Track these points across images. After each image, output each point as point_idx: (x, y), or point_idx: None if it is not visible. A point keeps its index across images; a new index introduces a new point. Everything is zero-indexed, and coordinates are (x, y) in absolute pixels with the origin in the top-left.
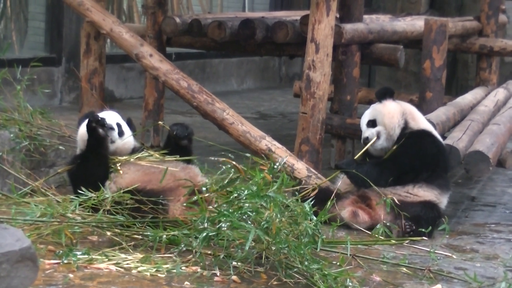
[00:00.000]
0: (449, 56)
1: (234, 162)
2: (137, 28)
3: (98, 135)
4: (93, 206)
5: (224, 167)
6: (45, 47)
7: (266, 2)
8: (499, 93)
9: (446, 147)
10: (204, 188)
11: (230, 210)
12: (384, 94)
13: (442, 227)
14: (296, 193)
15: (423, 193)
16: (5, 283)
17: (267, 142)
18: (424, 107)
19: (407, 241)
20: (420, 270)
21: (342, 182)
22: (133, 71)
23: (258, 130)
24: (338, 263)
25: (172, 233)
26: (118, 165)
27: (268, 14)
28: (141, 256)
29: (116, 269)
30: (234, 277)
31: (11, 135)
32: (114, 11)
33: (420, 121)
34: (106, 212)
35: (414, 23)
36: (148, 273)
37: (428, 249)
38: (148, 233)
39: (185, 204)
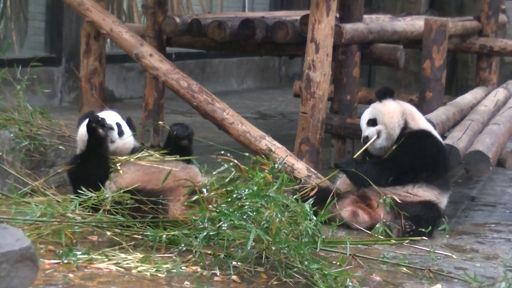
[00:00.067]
0: (449, 56)
1: (235, 161)
2: (137, 28)
3: (98, 135)
4: (93, 206)
5: (226, 165)
6: (45, 47)
7: (266, 2)
8: (499, 93)
9: (446, 147)
10: (204, 189)
11: (231, 210)
12: (384, 94)
13: (442, 227)
14: (297, 192)
15: (423, 193)
16: (5, 283)
17: (267, 142)
18: (424, 107)
19: (407, 241)
20: (420, 270)
21: (342, 182)
22: (133, 71)
23: (258, 130)
24: (338, 263)
25: (172, 233)
26: (118, 165)
27: (268, 14)
28: (141, 256)
29: (116, 269)
30: (234, 277)
31: (11, 135)
32: (114, 11)
33: (420, 121)
34: (106, 212)
35: (414, 23)
36: (148, 273)
37: (428, 249)
38: (148, 233)
39: (185, 203)
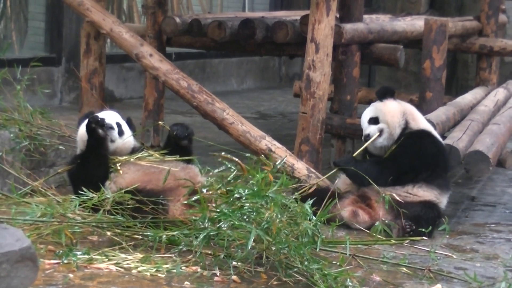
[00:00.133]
0: (449, 56)
1: (237, 159)
2: (137, 28)
3: (98, 135)
4: (93, 206)
5: (228, 165)
6: (45, 47)
7: (266, 2)
8: (499, 93)
9: (446, 147)
10: (204, 190)
11: (231, 210)
12: (385, 94)
13: (442, 227)
14: (296, 194)
15: (422, 193)
16: (5, 283)
17: (267, 142)
18: (424, 107)
19: (407, 241)
20: (420, 270)
21: (342, 182)
22: (133, 71)
23: (258, 130)
24: (338, 263)
25: (172, 233)
26: (118, 165)
27: (268, 14)
28: (141, 256)
29: (116, 269)
30: (234, 277)
31: (11, 135)
32: (114, 11)
33: (420, 121)
34: (106, 212)
35: (414, 23)
36: (148, 273)
37: (428, 249)
38: (148, 233)
39: (186, 202)
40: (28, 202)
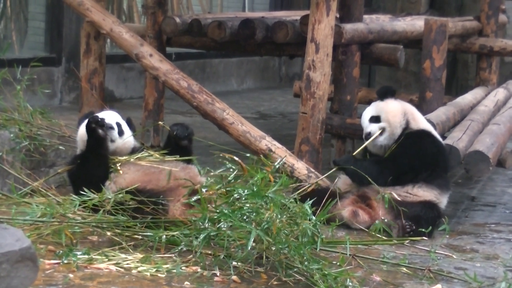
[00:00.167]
0: (449, 56)
1: (238, 159)
2: (137, 28)
3: (98, 135)
4: (93, 206)
5: (229, 164)
6: (45, 47)
7: (266, 2)
8: (499, 93)
9: (446, 147)
10: (204, 190)
11: (230, 210)
12: (386, 93)
13: (442, 227)
14: (296, 196)
15: (422, 193)
16: (5, 283)
17: (267, 142)
18: (424, 107)
19: (407, 241)
20: (420, 270)
21: (342, 182)
22: (133, 71)
23: (258, 130)
24: (338, 263)
25: (172, 233)
26: (118, 165)
27: (268, 14)
28: (141, 256)
29: (116, 269)
30: (234, 277)
31: (11, 135)
32: (114, 11)
33: (420, 121)
34: (106, 213)
35: (414, 23)
36: (148, 273)
37: (428, 249)
38: (148, 233)
39: (186, 202)
40: (28, 202)
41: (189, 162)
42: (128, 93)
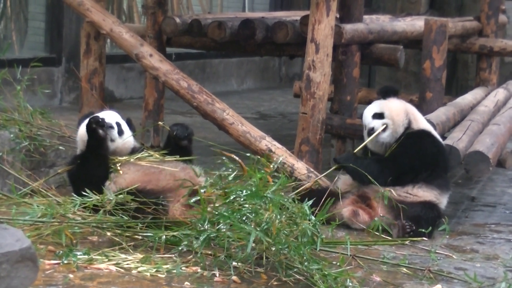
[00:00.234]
0: (449, 56)
1: (237, 159)
2: (137, 28)
3: (98, 135)
4: (94, 206)
5: (228, 164)
6: (45, 47)
7: (266, 2)
8: (499, 93)
9: (446, 147)
10: (202, 190)
11: (230, 212)
12: (388, 92)
13: (442, 227)
14: (295, 196)
15: (422, 193)
16: (5, 283)
17: (267, 142)
18: (424, 107)
19: (407, 241)
20: (420, 270)
21: (342, 183)
22: (133, 71)
23: (258, 130)
24: (338, 263)
25: (172, 233)
26: (118, 165)
27: (268, 14)
28: (141, 256)
29: (116, 269)
30: (234, 278)
31: (11, 136)
32: (114, 11)
33: (421, 122)
34: (106, 213)
35: (414, 23)
36: (148, 274)
37: (428, 249)
38: (148, 233)
39: (186, 203)
40: (28, 203)
41: (189, 162)
42: (128, 93)
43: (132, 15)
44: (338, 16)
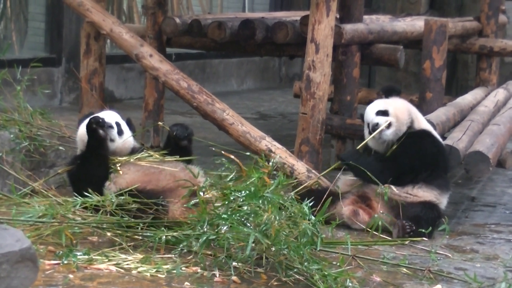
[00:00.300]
0: (449, 56)
1: (237, 159)
2: (137, 29)
3: (98, 135)
4: (94, 207)
5: (227, 164)
6: (45, 47)
7: (266, 3)
8: (499, 94)
9: (446, 147)
10: (201, 193)
11: (229, 213)
12: (391, 91)
13: (442, 228)
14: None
15: (422, 193)
16: (5, 283)
17: (267, 142)
18: (424, 108)
19: (407, 241)
20: (420, 271)
21: (342, 183)
22: (133, 71)
23: (258, 131)
24: (338, 264)
25: (172, 233)
26: (118, 165)
27: (268, 15)
28: (141, 256)
29: (116, 270)
30: (234, 278)
31: (11, 136)
32: (114, 12)
33: (421, 122)
34: (107, 213)
35: (414, 24)
36: (148, 274)
37: (428, 250)
38: (148, 233)
39: (185, 205)
40: (28, 203)
41: (189, 162)
42: (128, 93)
43: (132, 15)
44: (338, 16)
